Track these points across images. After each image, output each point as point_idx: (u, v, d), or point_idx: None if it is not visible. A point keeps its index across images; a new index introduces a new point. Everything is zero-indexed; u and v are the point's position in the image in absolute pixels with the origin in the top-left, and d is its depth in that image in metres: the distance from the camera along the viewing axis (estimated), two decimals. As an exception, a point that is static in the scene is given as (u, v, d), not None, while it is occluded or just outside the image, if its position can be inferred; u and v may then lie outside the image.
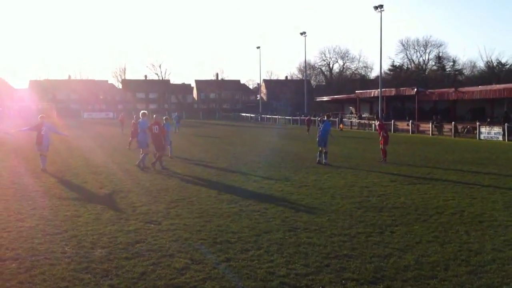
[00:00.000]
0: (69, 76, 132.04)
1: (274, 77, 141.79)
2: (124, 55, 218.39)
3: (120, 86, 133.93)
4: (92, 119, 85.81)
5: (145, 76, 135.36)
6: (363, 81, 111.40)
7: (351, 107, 75.13)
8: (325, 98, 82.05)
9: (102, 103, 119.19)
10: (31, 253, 7.64)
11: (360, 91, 69.93)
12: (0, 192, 12.72)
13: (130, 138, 27.16)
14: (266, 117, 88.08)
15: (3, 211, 10.46)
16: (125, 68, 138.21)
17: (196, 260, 7.38)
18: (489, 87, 53.13)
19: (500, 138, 39.35)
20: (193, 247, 8.08)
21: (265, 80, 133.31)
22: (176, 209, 10.90)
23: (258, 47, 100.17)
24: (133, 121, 26.97)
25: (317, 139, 20.43)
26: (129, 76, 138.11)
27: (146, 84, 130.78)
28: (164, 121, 21.64)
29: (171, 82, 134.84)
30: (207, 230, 9.15)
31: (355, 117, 65.82)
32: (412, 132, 49.94)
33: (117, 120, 45.77)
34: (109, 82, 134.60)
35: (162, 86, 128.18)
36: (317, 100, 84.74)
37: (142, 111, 19.86)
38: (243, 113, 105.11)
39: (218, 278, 6.67)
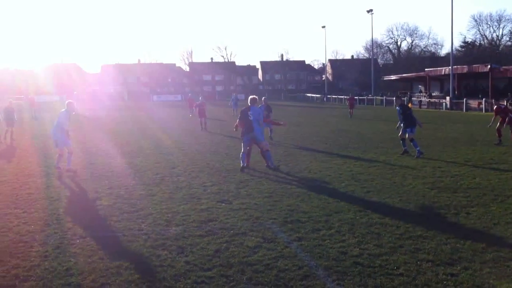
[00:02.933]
0: (139, 60, 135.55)
1: (339, 57, 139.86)
2: (191, 38, 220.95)
3: (187, 69, 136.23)
4: (161, 101, 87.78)
5: (211, 59, 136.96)
6: (433, 59, 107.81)
7: (420, 86, 73.00)
8: (393, 77, 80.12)
9: (170, 85, 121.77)
10: (109, 230, 7.97)
11: (429, 69, 67.74)
12: (77, 173, 13.28)
13: (199, 119, 28.47)
14: (332, 97, 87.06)
15: (81, 191, 10.94)
16: (191, 51, 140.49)
17: (267, 239, 7.45)
18: None
19: None
20: (264, 226, 8.16)
21: (330, 60, 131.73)
22: (245, 189, 11.02)
23: (324, 27, 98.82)
24: (197, 102, 28.66)
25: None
26: (196, 59, 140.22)
27: (212, 67, 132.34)
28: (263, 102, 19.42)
29: (237, 64, 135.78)
30: (277, 209, 9.21)
31: (424, 96, 63.93)
32: (486, 111, 47.97)
33: (185, 102, 46.38)
34: (177, 65, 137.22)
35: (228, 68, 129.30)
36: (385, 79, 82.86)
37: (251, 96, 14.20)
38: (308, 93, 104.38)
39: (291, 256, 6.71)
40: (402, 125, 16.34)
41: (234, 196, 10.36)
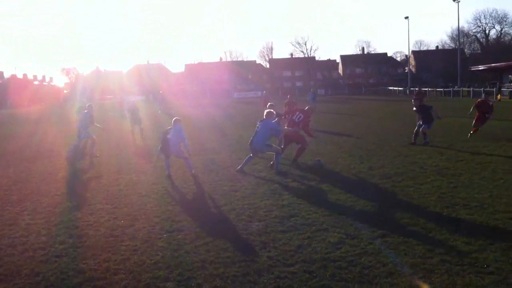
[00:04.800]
0: (220, 59, 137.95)
1: (423, 48, 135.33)
2: (271, 34, 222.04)
3: (268, 66, 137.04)
4: (241, 98, 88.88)
5: (291, 55, 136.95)
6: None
7: (510, 76, 69.25)
8: (481, 67, 76.59)
9: (251, 82, 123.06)
10: (195, 225, 8.18)
11: (521, 57, 64.15)
12: (164, 171, 13.72)
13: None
14: (416, 90, 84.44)
15: (170, 187, 11.29)
16: (272, 48, 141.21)
17: (350, 235, 7.37)
18: None
19: None
20: (347, 222, 8.07)
21: (413, 51, 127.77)
22: (327, 184, 10.94)
23: (407, 17, 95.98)
24: (286, 101, 27.17)
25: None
26: (276, 55, 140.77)
27: (292, 62, 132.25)
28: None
29: (316, 59, 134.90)
30: (359, 205, 9.08)
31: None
32: None
33: (260, 100, 45.47)
34: (257, 62, 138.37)
35: (308, 63, 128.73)
36: (472, 69, 79.36)
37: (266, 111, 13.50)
38: (390, 86, 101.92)
39: (375, 253, 6.60)
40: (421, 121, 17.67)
41: (314, 192, 10.32)
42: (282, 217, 8.48)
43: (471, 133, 18.55)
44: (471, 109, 19.53)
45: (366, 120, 29.95)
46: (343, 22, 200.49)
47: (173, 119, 12.85)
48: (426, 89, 75.75)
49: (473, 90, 63.80)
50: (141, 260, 6.66)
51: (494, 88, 58.85)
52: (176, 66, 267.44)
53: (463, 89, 68.99)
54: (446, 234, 7.26)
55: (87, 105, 18.15)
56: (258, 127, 13.14)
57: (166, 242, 7.37)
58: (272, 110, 13.48)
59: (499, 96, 53.84)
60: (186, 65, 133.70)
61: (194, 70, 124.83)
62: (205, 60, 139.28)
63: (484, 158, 13.71)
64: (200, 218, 8.59)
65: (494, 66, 72.37)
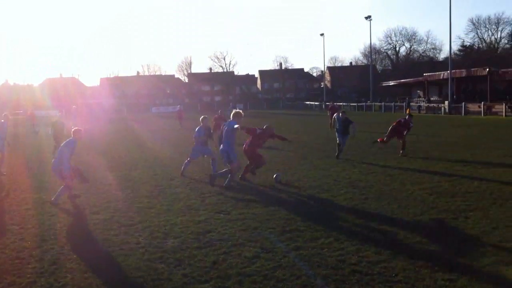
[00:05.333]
0: (138, 73, 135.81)
1: (338, 64, 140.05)
2: (190, 49, 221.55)
3: (186, 80, 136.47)
4: (159, 113, 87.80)
5: (210, 69, 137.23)
6: (431, 64, 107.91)
7: (419, 91, 73.05)
8: (392, 83, 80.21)
9: (169, 97, 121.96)
10: (106, 244, 7.92)
11: (428, 73, 67.83)
12: (74, 187, 13.23)
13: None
14: (327, 103, 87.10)
15: (79, 204, 10.89)
16: (190, 62, 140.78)
17: (266, 249, 7.42)
18: None
19: None
20: (263, 236, 8.13)
21: (329, 67, 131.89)
22: (245, 199, 10.98)
23: (322, 34, 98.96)
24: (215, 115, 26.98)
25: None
26: (195, 69, 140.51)
27: (211, 77, 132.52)
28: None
29: (235, 73, 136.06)
30: (275, 219, 9.17)
31: (423, 101, 63.98)
32: (484, 114, 47.97)
33: (174, 114, 44.48)
34: (176, 76, 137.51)
35: (227, 78, 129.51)
36: (383, 85, 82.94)
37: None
38: (307, 101, 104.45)
39: (289, 266, 6.68)
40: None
41: (232, 206, 10.32)
42: (198, 233, 8.40)
43: (377, 141, 18.77)
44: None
45: (284, 134, 30.39)
46: (262, 38, 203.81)
47: (72, 130, 11.51)
48: (341, 103, 78.36)
49: (384, 104, 66.68)
50: (48, 283, 6.35)
51: (404, 103, 61.85)
52: (91, 80, 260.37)
53: (375, 103, 71.94)
54: (358, 244, 7.47)
55: (3, 115, 17.30)
56: (224, 128, 12.87)
57: (76, 263, 7.07)
58: (240, 111, 12.97)
59: (408, 111, 56.50)
60: (101, 79, 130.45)
61: (110, 84, 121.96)
62: (121, 74, 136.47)
63: (393, 171, 14.30)
64: (112, 237, 8.33)
65: (404, 82, 76.04)
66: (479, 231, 8.00)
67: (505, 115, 45.33)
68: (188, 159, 14.77)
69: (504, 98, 49.19)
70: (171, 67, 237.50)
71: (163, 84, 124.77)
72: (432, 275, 6.17)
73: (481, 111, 48.77)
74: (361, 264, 6.67)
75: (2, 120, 16.56)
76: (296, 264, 6.77)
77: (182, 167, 14.65)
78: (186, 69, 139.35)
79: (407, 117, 18.59)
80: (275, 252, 7.26)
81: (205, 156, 15.13)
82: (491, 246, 7.14)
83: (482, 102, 49.58)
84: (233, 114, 12.72)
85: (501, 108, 46.77)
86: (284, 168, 15.41)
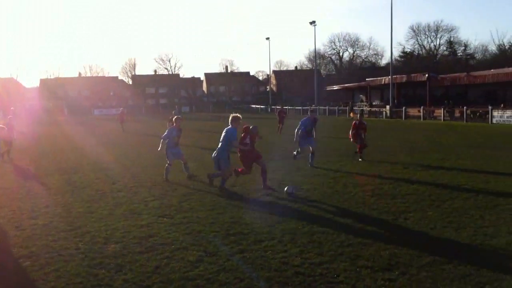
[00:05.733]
0: (79, 74, 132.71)
1: (284, 68, 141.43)
2: (134, 51, 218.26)
3: (130, 82, 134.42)
4: (102, 115, 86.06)
5: (155, 71, 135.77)
6: (374, 69, 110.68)
7: (361, 95, 74.76)
8: (335, 87, 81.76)
9: (113, 99, 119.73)
10: (45, 250, 7.66)
11: (370, 78, 69.53)
12: (13, 191, 12.79)
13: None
14: (276, 108, 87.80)
15: (17, 210, 10.49)
16: (134, 64, 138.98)
17: (209, 253, 7.37)
18: (501, 70, 52.70)
19: (513, 121, 38.95)
20: (207, 239, 8.07)
21: (274, 71, 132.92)
22: (188, 202, 10.89)
23: (268, 38, 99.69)
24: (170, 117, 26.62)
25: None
26: (139, 71, 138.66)
27: (155, 79, 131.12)
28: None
29: (181, 76, 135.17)
30: (220, 222, 9.13)
31: (365, 105, 65.48)
32: (424, 118, 49.60)
33: (116, 117, 43.34)
34: (119, 78, 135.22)
35: (172, 81, 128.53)
36: (327, 89, 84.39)
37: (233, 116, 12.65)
38: (253, 104, 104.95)
39: (232, 269, 6.66)
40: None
41: (176, 210, 10.21)
42: (140, 237, 8.25)
43: (358, 153, 18.01)
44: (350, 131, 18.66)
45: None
46: (208, 40, 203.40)
47: None
48: (286, 107, 79.02)
49: (328, 108, 67.83)
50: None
51: (347, 107, 63.12)
52: (30, 81, 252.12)
53: (320, 107, 73.04)
54: (301, 246, 7.53)
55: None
56: (223, 133, 12.41)
57: (13, 270, 6.82)
58: (238, 115, 12.42)
59: (351, 114, 57.75)
60: (41, 80, 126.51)
61: (51, 85, 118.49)
62: (62, 75, 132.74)
63: (336, 174, 14.54)
64: (51, 243, 8.06)
65: (347, 86, 77.65)
66: (418, 231, 8.23)
67: (443, 119, 47.00)
68: (168, 163, 14.16)
69: (442, 103, 51.01)
70: (114, 69, 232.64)
71: (106, 86, 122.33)
72: (372, 275, 6.29)
73: (420, 116, 50.38)
74: (303, 265, 6.72)
75: None
76: (240, 267, 6.75)
77: (164, 172, 14.05)
78: (130, 71, 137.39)
79: (359, 117, 19.12)
80: (218, 256, 7.22)
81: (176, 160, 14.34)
82: (429, 246, 7.35)
83: (422, 107, 51.22)
84: (231, 119, 12.28)
85: (440, 112, 48.46)
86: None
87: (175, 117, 14.65)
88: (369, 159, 17.49)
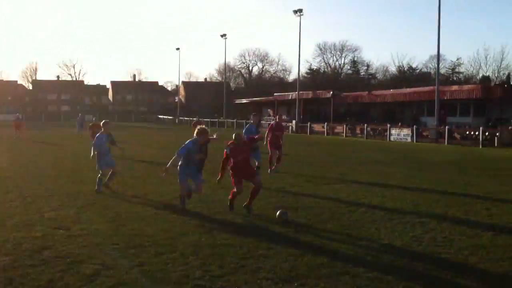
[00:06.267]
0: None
1: (193, 79, 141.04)
2: (35, 55, 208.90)
3: (31, 87, 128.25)
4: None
5: (58, 77, 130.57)
6: (282, 84, 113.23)
7: (269, 110, 76.11)
8: (244, 101, 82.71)
9: (10, 104, 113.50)
10: None
11: (278, 93, 71.03)
12: None
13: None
14: (184, 119, 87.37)
15: None
16: (36, 68, 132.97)
17: (107, 266, 7.10)
18: (399, 90, 55.90)
19: (409, 139, 41.29)
20: (105, 252, 7.78)
21: (184, 82, 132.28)
22: (87, 214, 10.49)
23: (178, 49, 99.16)
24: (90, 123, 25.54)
25: None
26: (41, 76, 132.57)
27: (58, 85, 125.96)
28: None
29: (86, 83, 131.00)
30: (120, 234, 8.86)
31: (273, 120, 66.68)
32: (327, 134, 51.35)
33: (12, 123, 41.04)
34: (19, 82, 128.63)
35: (76, 87, 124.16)
36: (236, 102, 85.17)
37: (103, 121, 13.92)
38: (161, 115, 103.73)
39: (131, 283, 6.45)
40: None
41: (73, 221, 9.78)
42: (33, 250, 7.81)
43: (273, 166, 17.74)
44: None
45: (143, 148, 29.80)
46: (115, 48, 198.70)
47: None
48: (194, 118, 78.72)
49: (236, 121, 68.42)
50: None
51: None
52: None
53: (228, 120, 73.59)
54: (203, 259, 7.45)
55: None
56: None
57: None
58: (204, 127, 11.31)
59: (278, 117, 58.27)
60: None
61: None
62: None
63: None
64: None
65: (255, 100, 78.85)
66: (317, 243, 8.42)
67: (346, 136, 48.88)
68: (101, 173, 13.33)
69: (345, 120, 53.09)
70: (14, 73, 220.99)
71: (3, 90, 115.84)
72: (272, 287, 6.34)
73: (324, 131, 52.10)
74: (204, 278, 6.64)
75: None
76: (139, 280, 6.57)
77: (97, 183, 13.22)
78: (31, 75, 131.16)
79: (277, 119, 19.00)
80: (117, 269, 6.98)
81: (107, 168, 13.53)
82: (327, 258, 7.51)
83: (326, 123, 53.04)
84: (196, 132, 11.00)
85: (342, 128, 50.37)
86: (132, 182, 14.99)
87: (103, 121, 13.91)
88: (272, 173, 17.70)
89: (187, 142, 11.04)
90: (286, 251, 7.91)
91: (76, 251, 7.81)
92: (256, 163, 15.62)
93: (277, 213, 10.13)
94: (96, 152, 13.45)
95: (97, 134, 13.70)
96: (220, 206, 11.45)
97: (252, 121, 16.69)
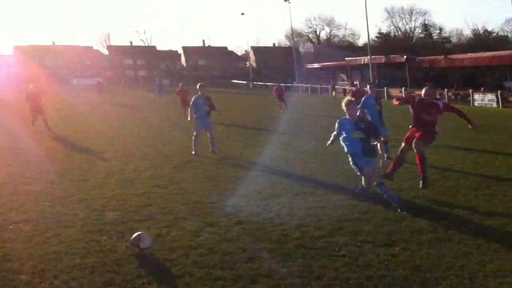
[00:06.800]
0: (53, 42, 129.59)
1: (262, 44, 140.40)
2: (108, 20, 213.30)
3: (106, 52, 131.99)
4: (80, 84, 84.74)
5: (131, 43, 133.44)
6: (352, 48, 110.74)
7: (342, 74, 74.84)
8: (316, 65, 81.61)
9: (90, 68, 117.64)
10: (43, 215, 7.58)
11: (349, 58, 69.59)
12: (1, 156, 12.57)
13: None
14: (258, 84, 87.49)
15: (8, 176, 10.34)
16: (109, 34, 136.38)
17: (208, 223, 7.37)
18: (478, 54, 53.26)
19: (494, 104, 39.44)
20: (204, 210, 8.07)
21: (253, 47, 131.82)
22: (181, 174, 10.86)
23: (243, 14, 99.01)
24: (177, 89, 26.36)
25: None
26: (114, 42, 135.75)
27: (132, 51, 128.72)
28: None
29: (158, 48, 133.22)
30: (215, 194, 9.13)
31: (347, 84, 65.63)
32: (406, 100, 49.89)
33: (94, 87, 42.53)
34: (94, 48, 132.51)
35: (149, 53, 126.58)
36: (308, 67, 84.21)
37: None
38: (233, 79, 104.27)
39: (233, 239, 6.68)
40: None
41: (169, 180, 10.17)
42: (137, 206, 8.22)
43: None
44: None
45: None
46: (183, 13, 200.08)
47: None
48: (268, 83, 78.91)
49: (310, 86, 67.89)
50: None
51: (329, 86, 63.25)
52: (3, 48, 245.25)
53: (301, 85, 73.04)
54: (299, 220, 7.57)
55: None
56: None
57: (14, 233, 6.75)
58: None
59: (334, 93, 57.94)
60: (14, 47, 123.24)
61: (24, 53, 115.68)
62: (36, 43, 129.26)
63: (328, 150, 14.52)
64: (48, 208, 7.99)
65: (327, 65, 77.56)
66: (414, 209, 8.28)
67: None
68: (194, 134, 13.40)
69: (423, 85, 51.41)
70: (89, 39, 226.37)
71: (82, 55, 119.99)
72: (374, 250, 6.35)
73: (402, 96, 50.69)
74: (304, 238, 6.76)
75: None
76: (241, 237, 6.78)
77: (193, 144, 13.41)
78: (105, 41, 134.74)
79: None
80: (218, 226, 7.23)
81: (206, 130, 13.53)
82: (427, 224, 7.39)
83: (403, 88, 51.56)
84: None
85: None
86: (220, 144, 15.27)
87: (198, 84, 13.89)
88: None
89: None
90: (381, 215, 7.87)
91: (177, 208, 8.14)
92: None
93: None
94: (194, 115, 13.45)
95: (194, 97, 13.72)
96: (307, 171, 11.48)
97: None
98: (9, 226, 7.06)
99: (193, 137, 13.35)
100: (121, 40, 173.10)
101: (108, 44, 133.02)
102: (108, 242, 6.50)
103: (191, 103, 13.69)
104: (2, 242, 6.40)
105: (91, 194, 8.95)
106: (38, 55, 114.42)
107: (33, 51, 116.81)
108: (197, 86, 13.90)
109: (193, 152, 13.20)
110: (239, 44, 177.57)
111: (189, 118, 14.11)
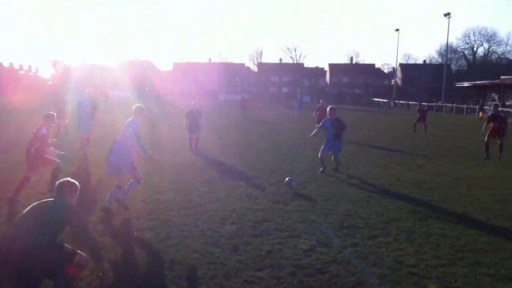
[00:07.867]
0: (209, 59, 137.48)
1: (411, 61, 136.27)
2: (261, 39, 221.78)
3: (256, 69, 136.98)
4: (226, 100, 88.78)
5: (280, 60, 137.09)
6: (510, 67, 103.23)
7: (493, 94, 70.06)
8: (466, 84, 77.34)
9: (238, 85, 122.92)
10: (166, 224, 8.11)
11: (506, 77, 64.90)
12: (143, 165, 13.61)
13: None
14: (400, 102, 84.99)
15: (144, 184, 11.15)
16: (261, 52, 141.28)
17: (322, 243, 7.37)
18: None
19: None
20: (320, 229, 8.07)
21: (401, 64, 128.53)
22: (304, 191, 10.94)
23: (397, 30, 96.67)
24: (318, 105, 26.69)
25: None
26: (265, 59, 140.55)
27: (280, 68, 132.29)
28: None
29: (305, 65, 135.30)
30: (334, 213, 9.09)
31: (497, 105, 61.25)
32: None
33: (239, 103, 43.65)
34: (246, 65, 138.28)
35: (296, 70, 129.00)
36: (457, 85, 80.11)
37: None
38: (375, 98, 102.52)
39: (344, 262, 6.61)
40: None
41: (291, 197, 10.31)
42: (255, 221, 8.45)
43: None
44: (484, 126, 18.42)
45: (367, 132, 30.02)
46: (333, 30, 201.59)
47: (134, 107, 9.24)
48: (410, 102, 76.31)
49: (456, 106, 64.50)
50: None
51: (477, 106, 59.56)
52: (164, 64, 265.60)
53: (446, 104, 69.70)
54: (417, 246, 7.30)
55: (86, 91, 16.77)
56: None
57: (135, 240, 7.32)
58: (141, 106, 9.21)
59: (481, 114, 54.36)
60: (174, 64, 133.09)
61: (182, 69, 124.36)
62: (193, 60, 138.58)
63: (460, 174, 13.83)
64: (171, 217, 8.53)
65: (479, 84, 73.15)
66: (548, 244, 7.62)
67: None
68: (334, 158, 13.57)
69: None
70: (242, 56, 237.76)
71: (232, 72, 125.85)
72: (493, 284, 5.96)
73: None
74: (419, 266, 6.52)
75: (85, 99, 16.22)
76: (352, 260, 6.69)
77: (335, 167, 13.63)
78: (256, 58, 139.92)
79: (500, 113, 18.13)
80: (331, 247, 7.20)
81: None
82: (560, 261, 6.77)
83: None
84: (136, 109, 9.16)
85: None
86: (347, 164, 15.15)
87: (329, 107, 13.97)
88: (496, 163, 16.41)
89: None
90: (509, 247, 7.32)
91: (293, 225, 8.24)
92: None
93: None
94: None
95: (324, 119, 14.03)
96: (436, 194, 11.01)
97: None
98: (133, 233, 7.66)
99: (319, 156, 13.66)
100: (272, 57, 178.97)
101: (259, 61, 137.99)
102: (221, 254, 6.77)
103: (320, 124, 14.03)
104: (123, 249, 6.96)
105: (214, 206, 9.37)
106: (193, 71, 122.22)
107: (190, 67, 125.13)
108: (327, 108, 14.06)
109: (321, 170, 13.39)
110: (387, 61, 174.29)
111: (311, 134, 14.51)
